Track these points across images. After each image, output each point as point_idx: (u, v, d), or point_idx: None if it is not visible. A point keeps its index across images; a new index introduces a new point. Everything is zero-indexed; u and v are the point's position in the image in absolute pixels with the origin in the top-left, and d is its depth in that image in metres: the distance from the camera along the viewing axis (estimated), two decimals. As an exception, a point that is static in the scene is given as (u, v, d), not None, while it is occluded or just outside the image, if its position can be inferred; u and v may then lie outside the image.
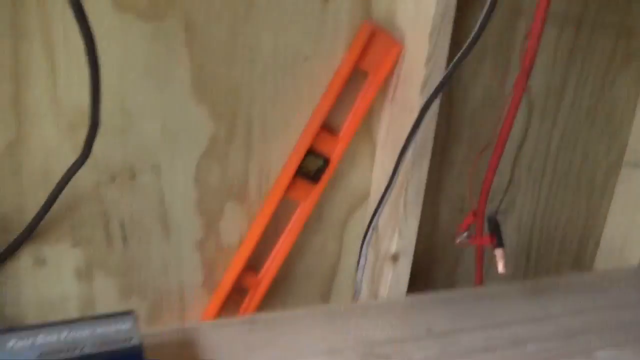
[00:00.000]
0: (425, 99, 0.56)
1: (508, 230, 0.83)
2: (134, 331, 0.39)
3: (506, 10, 0.69)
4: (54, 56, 0.46)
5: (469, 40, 0.52)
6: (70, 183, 0.48)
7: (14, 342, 0.36)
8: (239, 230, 0.60)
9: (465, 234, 0.58)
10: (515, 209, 0.82)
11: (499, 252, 0.56)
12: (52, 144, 0.48)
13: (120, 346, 0.37)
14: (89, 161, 0.47)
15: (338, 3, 0.57)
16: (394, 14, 0.61)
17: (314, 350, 0.50)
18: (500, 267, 0.56)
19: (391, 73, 0.61)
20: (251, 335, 0.52)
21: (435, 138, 0.66)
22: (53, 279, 0.52)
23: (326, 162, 0.60)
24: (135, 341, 0.38)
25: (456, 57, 0.53)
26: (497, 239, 0.56)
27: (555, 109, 0.78)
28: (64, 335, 0.38)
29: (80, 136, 0.46)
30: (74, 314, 0.54)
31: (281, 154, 0.59)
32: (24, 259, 0.50)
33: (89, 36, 0.40)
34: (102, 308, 0.55)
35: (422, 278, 0.75)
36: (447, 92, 0.68)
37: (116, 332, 0.39)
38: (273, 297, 0.65)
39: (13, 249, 0.49)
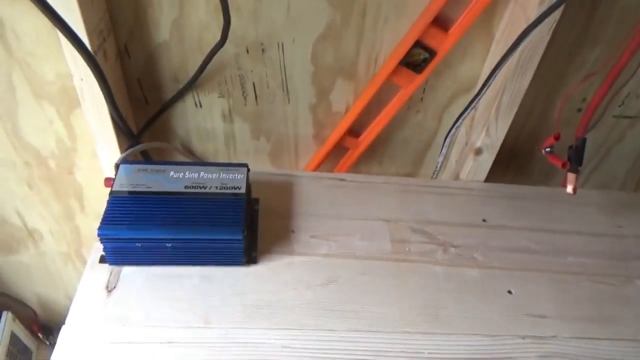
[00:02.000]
0: (543, 10, 0.54)
1: (636, 134, 0.79)
2: (243, 181, 0.57)
3: None
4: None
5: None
6: (217, 53, 0.62)
7: (173, 173, 0.58)
8: (345, 102, 0.71)
9: (547, 149, 0.61)
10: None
11: (571, 177, 0.59)
12: (203, 21, 0.61)
13: (232, 191, 0.56)
14: (231, 36, 0.60)
15: None
16: None
17: (376, 216, 0.64)
18: (569, 189, 0.60)
19: (521, -30, 0.58)
20: (337, 190, 0.68)
21: (568, 36, 0.64)
22: (207, 117, 0.72)
23: (432, 55, 0.64)
24: (242, 190, 0.56)
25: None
26: (573, 165, 0.58)
27: None
28: (201, 174, 0.58)
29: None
30: (221, 142, 0.75)
31: (391, 43, 0.65)
32: (188, 102, 0.70)
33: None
34: (239, 141, 0.75)
35: (514, 166, 0.81)
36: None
37: (232, 179, 0.57)
38: (372, 157, 0.79)
39: (181, 94, 0.68)
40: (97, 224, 0.88)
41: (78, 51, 0.52)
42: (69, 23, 0.49)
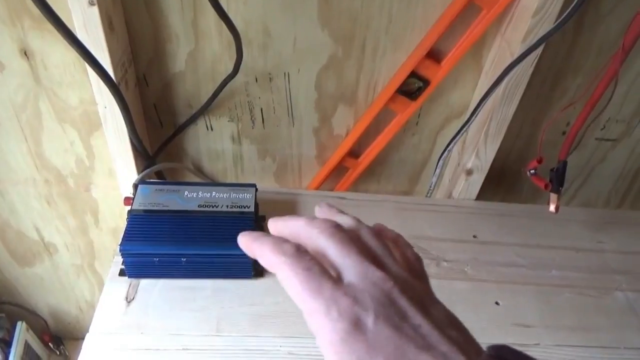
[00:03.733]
0: (525, 48, 0.60)
1: (616, 155, 0.84)
2: (252, 201, 0.62)
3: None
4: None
5: (570, 8, 0.53)
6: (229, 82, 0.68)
7: (187, 193, 0.63)
8: (346, 125, 0.77)
9: (531, 171, 0.66)
10: (631, 137, 0.81)
11: (553, 197, 0.65)
12: (217, 54, 0.67)
13: (241, 210, 0.61)
14: (241, 67, 0.66)
15: (465, -64, 0.59)
16: (524, -51, 0.60)
17: (374, 232, 0.69)
18: (552, 208, 0.65)
19: (506, 10, 0.63)
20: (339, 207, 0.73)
21: (551, 65, 0.70)
22: (217, 139, 0.77)
23: (426, 84, 0.70)
24: (251, 208, 0.61)
25: (560, 19, 0.55)
26: (554, 186, 0.64)
27: None
28: (213, 194, 0.63)
29: (235, 50, 0.64)
30: (229, 162, 0.80)
31: (388, 73, 0.70)
32: (200, 125, 0.75)
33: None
34: (247, 161, 0.80)
35: (504, 185, 0.86)
36: (577, 20, 0.66)
37: (242, 199, 0.62)
38: (370, 176, 0.84)
39: (194, 118, 0.74)
40: (110, 238, 0.93)
41: (104, 83, 0.57)
42: (98, 58, 0.55)
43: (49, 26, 0.62)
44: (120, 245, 0.58)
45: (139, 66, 0.67)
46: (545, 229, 0.74)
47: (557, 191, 0.64)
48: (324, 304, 0.26)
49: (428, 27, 0.65)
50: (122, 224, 0.89)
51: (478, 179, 0.75)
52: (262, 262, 0.29)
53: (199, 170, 0.81)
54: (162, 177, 0.77)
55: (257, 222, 0.62)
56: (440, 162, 0.75)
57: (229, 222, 0.60)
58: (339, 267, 0.28)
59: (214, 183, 0.78)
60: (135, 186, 0.64)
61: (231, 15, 0.61)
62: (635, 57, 0.70)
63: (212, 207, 0.61)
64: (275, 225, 0.32)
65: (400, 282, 0.27)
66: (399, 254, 0.34)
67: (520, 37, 0.61)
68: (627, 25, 0.58)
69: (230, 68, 0.67)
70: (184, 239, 0.59)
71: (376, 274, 0.27)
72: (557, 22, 0.54)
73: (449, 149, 0.74)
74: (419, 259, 0.35)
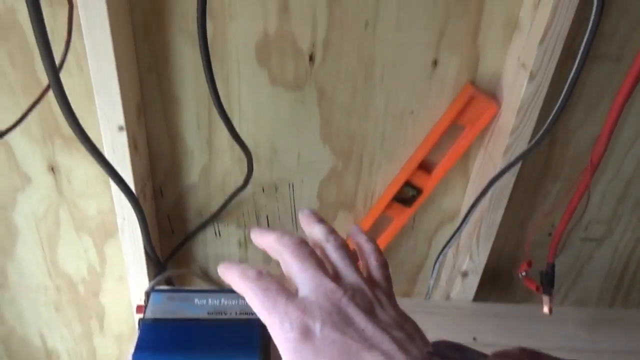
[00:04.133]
0: (506, 163, 0.67)
1: (602, 254, 0.89)
2: (260, 306, 0.65)
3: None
4: (232, 114, 0.69)
5: (545, 125, 0.60)
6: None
7: (197, 300, 0.66)
8: (346, 231, 0.81)
9: (522, 274, 0.70)
10: (613, 236, 0.87)
11: (545, 299, 0.68)
12: (228, 168, 0.74)
13: (249, 317, 0.64)
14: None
15: (446, 67, 0.68)
16: (499, 78, 0.69)
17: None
18: (545, 310, 0.68)
19: (487, 127, 0.71)
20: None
21: (532, 173, 0.77)
22: (225, 245, 0.81)
23: (419, 192, 0.76)
24: (257, 316, 0.64)
25: (535, 138, 0.62)
26: (545, 288, 0.67)
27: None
28: (222, 301, 0.66)
29: (245, 164, 0.70)
30: (235, 266, 0.83)
31: (384, 183, 0.77)
32: (209, 232, 0.80)
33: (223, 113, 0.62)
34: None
35: (499, 285, 0.89)
36: (551, 135, 0.74)
37: (249, 306, 0.65)
38: (369, 277, 0.87)
39: (203, 226, 0.78)
40: (113, 344, 0.93)
41: (126, 197, 0.63)
42: (122, 175, 0.61)
43: (78, 145, 0.69)
44: (134, 354, 0.59)
45: (156, 179, 0.74)
46: (542, 329, 0.76)
47: (548, 293, 0.68)
48: (278, 318, 0.30)
49: (418, 142, 0.73)
50: (127, 330, 0.90)
51: (473, 280, 0.79)
52: (234, 288, 0.34)
53: (206, 275, 0.84)
54: (170, 283, 0.79)
55: (263, 329, 0.64)
56: (437, 264, 0.79)
57: (237, 329, 0.63)
58: (297, 283, 0.33)
59: (223, 290, 0.80)
60: (147, 294, 0.67)
61: (243, 135, 0.68)
62: (605, 168, 0.77)
63: (221, 314, 0.64)
64: (254, 236, 0.39)
65: (350, 291, 0.32)
66: (363, 262, 0.39)
67: (501, 151, 0.68)
68: (594, 138, 0.65)
69: (239, 180, 0.73)
70: (194, 347, 0.60)
71: (328, 285, 0.32)
72: (533, 141, 0.61)
73: (444, 252, 0.78)
74: (383, 265, 0.39)
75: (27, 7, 0.41)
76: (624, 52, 0.68)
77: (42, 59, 0.44)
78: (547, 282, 0.68)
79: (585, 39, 0.51)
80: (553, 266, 0.68)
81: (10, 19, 0.60)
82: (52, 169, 0.72)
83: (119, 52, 0.57)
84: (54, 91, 0.46)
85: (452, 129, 0.71)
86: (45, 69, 0.45)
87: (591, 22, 0.50)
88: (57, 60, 0.49)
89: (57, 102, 0.47)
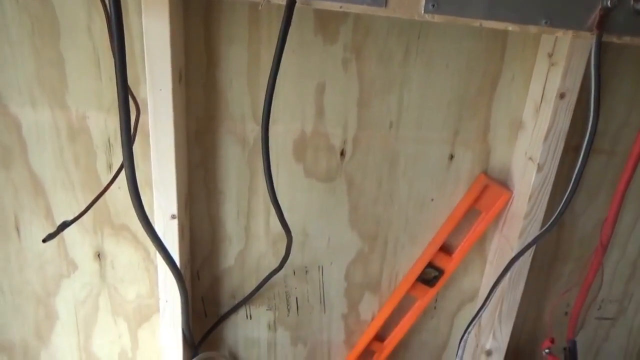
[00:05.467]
0: (522, 245, 0.73)
1: (617, 333, 0.92)
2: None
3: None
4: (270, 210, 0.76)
5: (555, 215, 0.67)
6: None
7: (238, 381, 0.68)
8: (372, 311, 0.85)
9: (546, 351, 0.74)
10: (626, 315, 0.90)
11: (569, 375, 0.71)
12: (263, 251, 0.79)
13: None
14: (282, 262, 0.77)
15: (461, 160, 0.77)
16: (509, 169, 0.77)
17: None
18: (570, 386, 0.71)
19: (501, 212, 0.78)
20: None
21: (544, 255, 0.82)
22: (255, 327, 0.84)
23: (441, 273, 0.81)
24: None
25: (549, 223, 0.69)
26: (569, 365, 0.70)
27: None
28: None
29: (278, 248, 0.76)
30: (264, 349, 0.86)
31: (407, 264, 0.82)
32: (240, 314, 0.83)
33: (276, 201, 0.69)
34: (280, 348, 0.86)
35: (520, 364, 0.91)
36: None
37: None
38: (395, 359, 0.89)
39: (235, 309, 0.82)
40: None
41: (176, 280, 0.67)
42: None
43: (125, 233, 0.75)
44: None
45: (195, 263, 0.78)
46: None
47: (573, 369, 0.71)
48: None
49: (439, 226, 0.79)
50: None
51: (498, 359, 0.81)
52: None
53: (234, 358, 0.86)
54: (201, 366, 0.81)
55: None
56: (462, 344, 0.82)
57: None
58: None
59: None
60: (186, 377, 0.69)
61: (273, 224, 0.74)
62: (611, 250, 0.83)
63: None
64: None
65: None
66: None
67: (516, 234, 0.74)
68: (600, 222, 0.72)
69: (272, 263, 0.78)
70: None
71: None
72: (546, 226, 0.67)
73: (467, 331, 0.81)
74: None
75: (120, 117, 0.49)
76: (616, 147, 0.77)
77: (124, 159, 0.50)
78: (571, 358, 0.70)
79: (586, 138, 0.59)
80: (575, 343, 0.71)
81: (81, 124, 0.68)
82: (99, 256, 0.77)
83: (178, 154, 0.64)
84: (129, 187, 0.52)
85: (470, 213, 0.78)
86: (125, 171, 0.51)
87: (590, 123, 0.58)
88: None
89: (130, 195, 0.52)
